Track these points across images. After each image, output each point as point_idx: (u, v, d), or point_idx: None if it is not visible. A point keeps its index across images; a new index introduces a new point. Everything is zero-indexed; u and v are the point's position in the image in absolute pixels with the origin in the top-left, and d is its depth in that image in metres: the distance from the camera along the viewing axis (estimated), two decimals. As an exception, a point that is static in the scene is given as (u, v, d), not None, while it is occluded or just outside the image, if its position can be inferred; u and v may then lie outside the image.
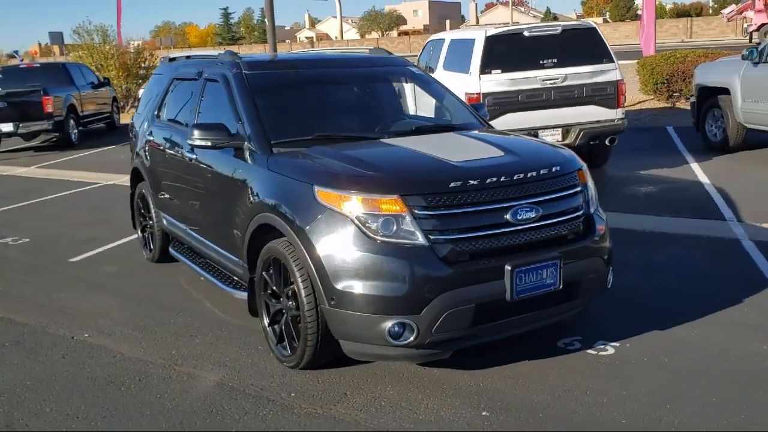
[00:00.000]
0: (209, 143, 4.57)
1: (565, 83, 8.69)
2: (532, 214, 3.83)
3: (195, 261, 5.66)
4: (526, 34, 8.76)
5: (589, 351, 4.27)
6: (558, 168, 4.07)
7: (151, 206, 6.29)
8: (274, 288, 4.26)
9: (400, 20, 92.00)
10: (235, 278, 5.02)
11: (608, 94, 8.85)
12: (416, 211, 3.65)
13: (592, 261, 4.08)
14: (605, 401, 3.69)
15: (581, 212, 4.11)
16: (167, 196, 5.90)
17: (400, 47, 60.68)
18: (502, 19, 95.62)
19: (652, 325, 4.55)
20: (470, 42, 8.97)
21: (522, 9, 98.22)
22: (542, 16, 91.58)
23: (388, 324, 3.63)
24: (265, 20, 18.43)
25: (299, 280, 3.89)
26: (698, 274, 5.51)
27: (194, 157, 5.15)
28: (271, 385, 4.02)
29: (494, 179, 3.81)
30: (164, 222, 6.10)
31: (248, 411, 3.75)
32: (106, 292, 5.83)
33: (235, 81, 4.90)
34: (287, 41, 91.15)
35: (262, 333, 4.46)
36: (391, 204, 3.67)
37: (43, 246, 7.49)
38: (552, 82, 8.66)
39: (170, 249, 6.17)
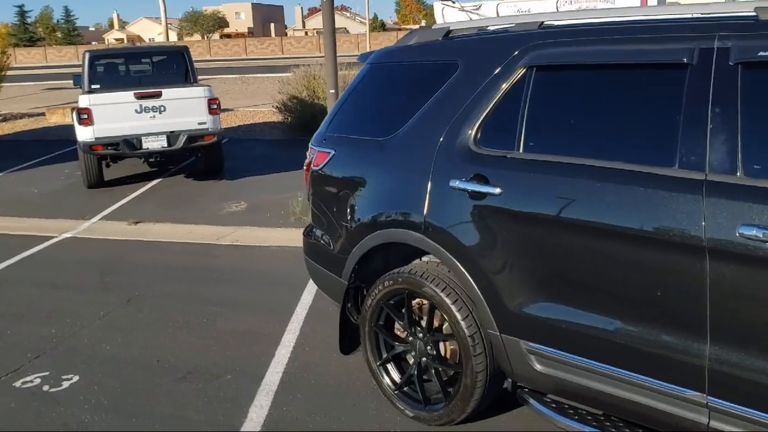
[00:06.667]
0: None
1: None
2: None
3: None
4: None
5: None
6: None
7: (465, 330, 3.05)
8: None
9: (222, 22, 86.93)
10: None
11: None
12: None
13: None
14: None
15: None
16: (604, 320, 2.69)
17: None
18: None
19: None
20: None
21: (347, 14, 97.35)
22: (370, 21, 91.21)
23: None
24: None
25: None
26: None
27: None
28: None
29: None
30: (551, 370, 2.86)
31: None
32: None
33: None
34: (94, 43, 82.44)
35: None
36: None
37: (119, 391, 3.89)
38: None
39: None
